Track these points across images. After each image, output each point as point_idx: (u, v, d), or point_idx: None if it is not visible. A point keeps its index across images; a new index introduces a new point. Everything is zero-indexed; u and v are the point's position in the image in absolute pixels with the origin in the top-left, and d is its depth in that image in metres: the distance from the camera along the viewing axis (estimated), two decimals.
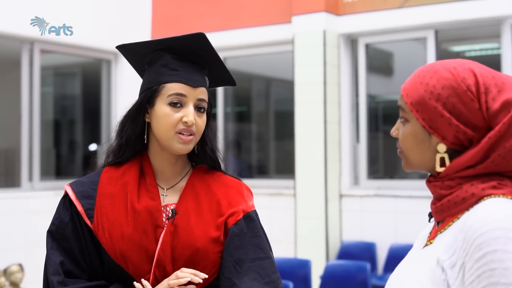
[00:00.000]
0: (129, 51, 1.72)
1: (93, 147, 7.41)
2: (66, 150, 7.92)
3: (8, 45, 5.91)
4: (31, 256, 5.37)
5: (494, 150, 1.18)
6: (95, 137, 7.01)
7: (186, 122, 1.58)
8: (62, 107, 7.90)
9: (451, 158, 1.23)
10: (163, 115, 1.59)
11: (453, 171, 1.22)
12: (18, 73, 5.71)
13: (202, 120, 1.63)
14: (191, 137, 1.60)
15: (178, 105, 1.59)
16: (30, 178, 5.68)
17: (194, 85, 1.61)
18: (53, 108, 7.50)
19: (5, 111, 6.93)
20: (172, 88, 1.60)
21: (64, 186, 1.67)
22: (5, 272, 4.97)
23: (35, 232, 5.43)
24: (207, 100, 1.65)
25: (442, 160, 1.23)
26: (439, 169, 1.24)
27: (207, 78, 1.68)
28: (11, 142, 6.46)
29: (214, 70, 1.71)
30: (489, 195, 1.17)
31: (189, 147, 1.62)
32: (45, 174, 6.16)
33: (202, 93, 1.63)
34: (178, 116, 1.58)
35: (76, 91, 7.67)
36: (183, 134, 1.59)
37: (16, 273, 4.95)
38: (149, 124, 1.63)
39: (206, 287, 1.58)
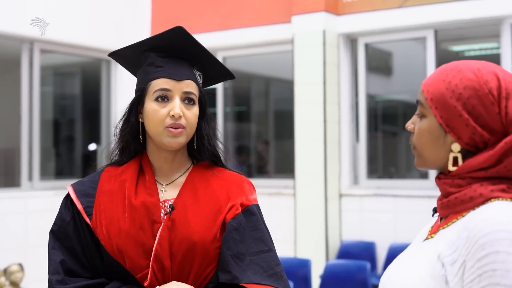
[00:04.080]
0: (121, 57, 1.75)
1: (92, 146, 7.41)
2: (65, 150, 7.91)
3: (8, 45, 5.91)
4: (31, 256, 5.38)
5: (508, 156, 1.19)
6: (95, 137, 7.01)
7: (173, 116, 1.58)
8: (62, 107, 7.90)
9: (464, 158, 1.23)
10: (151, 111, 1.61)
11: (465, 171, 1.22)
12: (18, 73, 5.72)
13: (191, 113, 1.62)
14: (180, 129, 1.60)
15: (165, 99, 1.61)
16: (30, 178, 5.68)
17: (178, 78, 1.62)
18: (53, 107, 7.49)
19: (5, 111, 6.93)
20: (157, 84, 1.61)
21: (66, 187, 1.70)
22: (5, 271, 4.97)
23: (35, 232, 5.44)
24: (195, 93, 1.65)
25: (455, 160, 1.24)
26: (451, 168, 1.24)
27: (198, 73, 1.69)
28: (11, 142, 6.46)
29: (208, 65, 1.72)
30: (497, 197, 1.18)
31: (180, 140, 1.61)
32: (44, 174, 6.16)
33: (188, 85, 1.63)
34: (165, 111, 1.60)
35: (76, 91, 7.67)
36: (172, 128, 1.60)
37: (16, 272, 4.96)
38: (143, 124, 1.65)
39: (205, 285, 1.58)
